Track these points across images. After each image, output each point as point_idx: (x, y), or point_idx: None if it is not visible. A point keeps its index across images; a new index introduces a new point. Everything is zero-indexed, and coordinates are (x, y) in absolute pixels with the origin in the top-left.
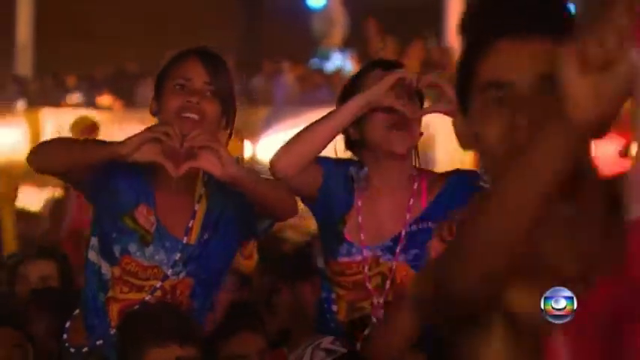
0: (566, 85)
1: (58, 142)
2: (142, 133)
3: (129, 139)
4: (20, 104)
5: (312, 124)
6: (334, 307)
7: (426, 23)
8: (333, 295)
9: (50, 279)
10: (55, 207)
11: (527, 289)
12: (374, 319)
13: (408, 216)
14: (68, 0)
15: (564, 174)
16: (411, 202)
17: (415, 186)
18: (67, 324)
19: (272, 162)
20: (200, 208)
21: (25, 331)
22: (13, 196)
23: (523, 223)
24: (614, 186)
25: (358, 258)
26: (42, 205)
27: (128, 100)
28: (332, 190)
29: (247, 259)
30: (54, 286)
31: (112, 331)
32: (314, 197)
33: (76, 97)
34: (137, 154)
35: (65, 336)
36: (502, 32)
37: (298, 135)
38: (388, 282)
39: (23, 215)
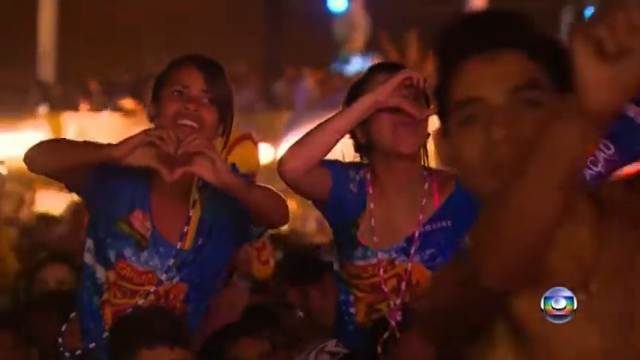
0: (579, 72)
1: (52, 143)
2: (136, 136)
3: (123, 141)
4: (42, 108)
5: (319, 126)
6: (352, 310)
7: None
8: (352, 298)
9: (66, 283)
10: (76, 211)
11: (529, 295)
12: (392, 322)
13: (421, 216)
14: (89, 6)
15: (581, 164)
16: (423, 202)
17: (426, 186)
18: (63, 327)
19: (279, 163)
20: (194, 214)
21: (28, 334)
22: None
23: (542, 218)
24: (605, 191)
25: (373, 261)
26: (63, 209)
27: None
28: (342, 193)
29: (263, 265)
30: (68, 289)
31: (106, 335)
32: (325, 201)
33: (97, 101)
34: (131, 158)
35: (60, 340)
36: (469, 53)
37: (305, 137)
38: (404, 283)
39: (45, 219)
